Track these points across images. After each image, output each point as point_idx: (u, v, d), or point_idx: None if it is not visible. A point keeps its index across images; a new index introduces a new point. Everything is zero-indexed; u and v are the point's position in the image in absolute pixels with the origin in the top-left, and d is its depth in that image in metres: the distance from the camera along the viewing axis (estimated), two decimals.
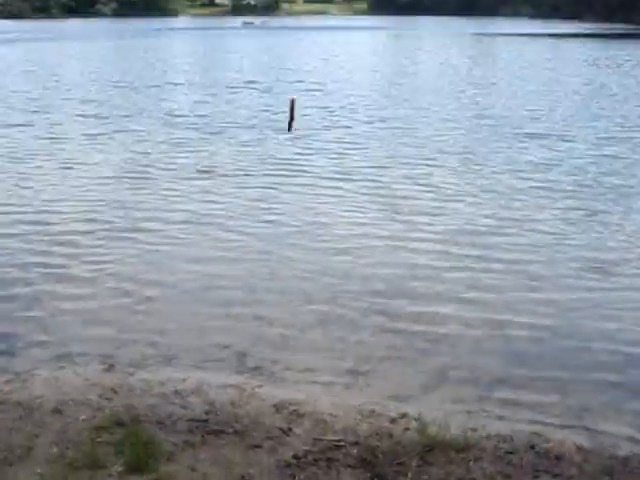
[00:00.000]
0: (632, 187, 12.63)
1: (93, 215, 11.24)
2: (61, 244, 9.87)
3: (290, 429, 5.41)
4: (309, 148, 16.18)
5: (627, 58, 43.09)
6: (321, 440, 5.25)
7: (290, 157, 15.23)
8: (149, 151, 15.86)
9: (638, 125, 19.15)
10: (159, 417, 5.57)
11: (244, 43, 62.73)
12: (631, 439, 5.55)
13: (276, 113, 20.75)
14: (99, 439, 5.15)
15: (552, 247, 9.63)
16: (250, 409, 5.72)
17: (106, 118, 20.39)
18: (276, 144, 16.58)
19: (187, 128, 18.53)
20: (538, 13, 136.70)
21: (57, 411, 5.63)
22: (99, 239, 10.11)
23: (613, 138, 17.24)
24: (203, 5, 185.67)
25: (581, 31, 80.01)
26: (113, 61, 42.22)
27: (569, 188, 12.59)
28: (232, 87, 27.67)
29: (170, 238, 10.11)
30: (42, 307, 7.89)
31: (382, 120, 19.61)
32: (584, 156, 15.25)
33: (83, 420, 5.48)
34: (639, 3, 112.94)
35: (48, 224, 10.80)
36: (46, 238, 10.14)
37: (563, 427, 5.68)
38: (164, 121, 19.64)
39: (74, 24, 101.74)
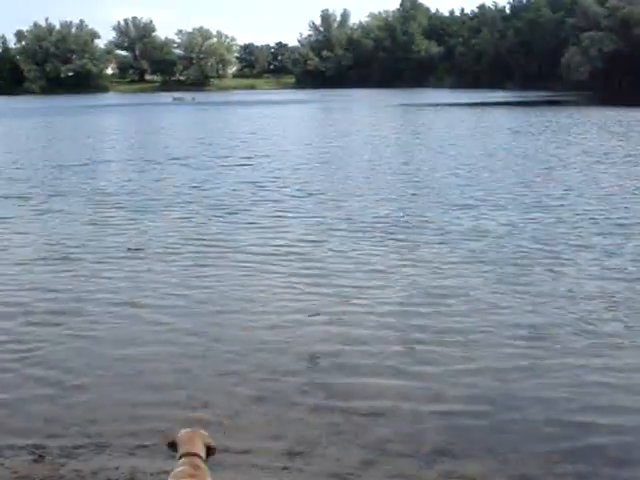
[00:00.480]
0: (559, 252, 12.95)
1: (15, 299, 10.81)
2: None
3: None
4: (238, 223, 16.15)
5: (547, 124, 44.89)
6: None
7: (220, 233, 15.16)
8: (75, 231, 15.54)
9: (566, 190, 19.88)
10: None
11: (174, 119, 63.03)
12: None
13: (205, 189, 20.75)
14: None
15: (486, 315, 9.69)
16: None
17: (29, 198, 19.81)
18: (205, 220, 16.45)
19: (115, 206, 18.14)
20: (460, 83, 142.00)
21: None
22: (22, 325, 9.74)
23: (538, 203, 17.78)
24: (133, 81, 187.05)
25: (502, 100, 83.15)
26: (40, 139, 41.64)
27: (498, 255, 12.82)
28: (160, 163, 27.37)
29: (98, 322, 9.79)
30: None
31: (311, 194, 19.54)
32: (510, 222, 15.63)
33: None
34: (557, 70, 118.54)
35: None
36: None
37: None
38: (91, 200, 19.16)
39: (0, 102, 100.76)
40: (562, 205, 17.57)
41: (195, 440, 4.56)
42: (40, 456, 6.31)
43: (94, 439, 6.60)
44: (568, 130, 40.13)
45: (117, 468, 6.05)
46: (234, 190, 20.13)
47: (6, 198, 20.02)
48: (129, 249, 13.69)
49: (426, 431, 6.72)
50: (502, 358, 8.42)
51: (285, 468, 6.07)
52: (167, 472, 5.83)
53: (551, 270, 11.82)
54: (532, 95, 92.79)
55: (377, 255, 13.05)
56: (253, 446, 6.45)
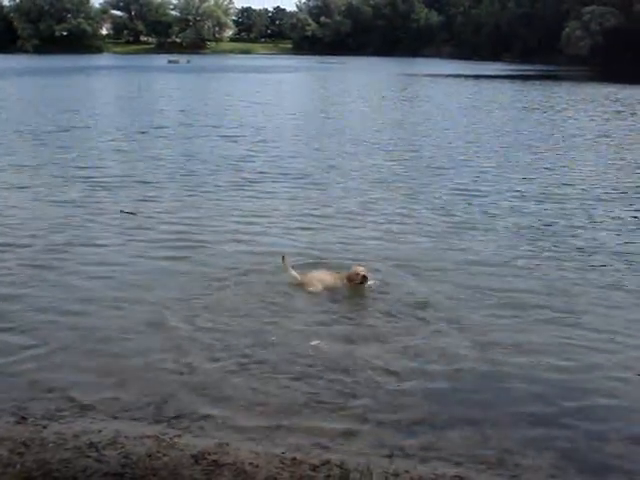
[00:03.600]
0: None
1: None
2: None
3: None
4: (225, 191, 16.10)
5: (544, 99, 44.67)
6: None
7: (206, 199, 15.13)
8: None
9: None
10: (73, 472, 5.36)
11: (169, 83, 62.44)
12: (551, 478, 5.62)
13: (201, 160, 20.29)
14: None
15: (472, 288, 9.68)
16: (168, 460, 5.55)
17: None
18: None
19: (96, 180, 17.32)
20: (458, 53, 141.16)
21: None
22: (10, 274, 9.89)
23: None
24: (127, 42, 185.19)
25: (501, 72, 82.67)
26: (29, 102, 41.01)
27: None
28: (149, 133, 26.33)
29: (88, 279, 9.85)
30: None
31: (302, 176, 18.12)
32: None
33: None
34: (557, 44, 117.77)
35: None
36: None
37: (485, 469, 5.71)
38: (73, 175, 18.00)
39: None
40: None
41: None
42: (22, 418, 6.30)
43: (77, 402, 6.59)
44: (564, 106, 39.99)
45: (100, 431, 6.04)
46: (216, 166, 19.18)
47: None
48: (122, 211, 13.73)
49: (408, 402, 6.73)
50: (484, 327, 8.46)
51: (267, 436, 6.08)
52: (150, 437, 5.90)
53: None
54: (531, 69, 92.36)
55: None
56: (235, 413, 6.44)
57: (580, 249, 11.57)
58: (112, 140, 24.25)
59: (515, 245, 11.79)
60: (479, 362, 7.58)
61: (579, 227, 13.02)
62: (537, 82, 66.15)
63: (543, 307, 9.08)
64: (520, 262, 10.83)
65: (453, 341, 8.03)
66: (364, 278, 9.22)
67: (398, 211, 14.06)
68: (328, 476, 5.39)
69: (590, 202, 15.08)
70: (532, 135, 26.59)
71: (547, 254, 11.28)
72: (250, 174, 17.84)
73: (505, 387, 7.09)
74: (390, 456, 5.80)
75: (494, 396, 6.94)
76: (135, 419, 6.31)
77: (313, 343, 7.94)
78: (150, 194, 15.38)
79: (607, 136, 26.67)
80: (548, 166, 19.72)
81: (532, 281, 10.02)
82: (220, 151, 21.73)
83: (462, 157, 21.08)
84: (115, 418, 6.33)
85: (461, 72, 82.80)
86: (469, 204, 14.74)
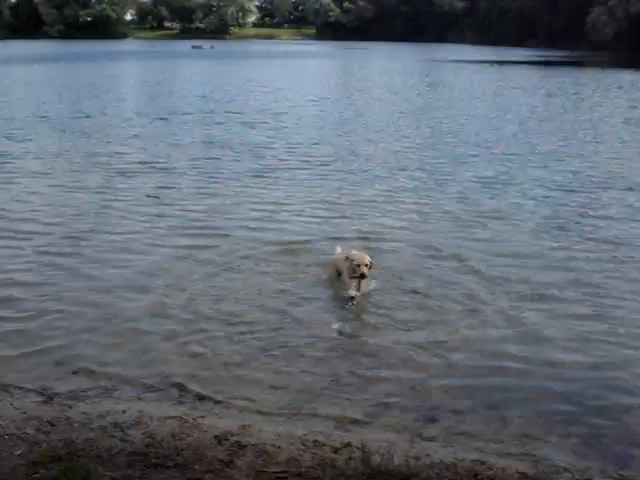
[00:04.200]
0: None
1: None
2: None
3: (232, 461, 5.32)
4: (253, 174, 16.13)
5: (569, 86, 44.20)
6: (263, 472, 5.18)
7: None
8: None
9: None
10: (98, 451, 5.43)
11: (192, 68, 62.50)
12: (572, 465, 5.60)
13: (222, 147, 20.20)
14: (35, 475, 5.01)
15: (495, 279, 9.59)
16: (191, 441, 5.62)
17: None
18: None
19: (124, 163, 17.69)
20: (483, 39, 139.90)
21: None
22: (43, 264, 9.94)
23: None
24: (152, 28, 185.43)
25: (526, 58, 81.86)
26: (51, 88, 41.14)
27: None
28: (171, 119, 26.33)
29: (113, 266, 9.94)
30: None
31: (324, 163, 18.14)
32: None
33: (19, 455, 5.32)
34: (582, 30, 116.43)
35: None
36: None
37: (505, 455, 5.71)
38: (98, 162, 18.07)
39: (18, 46, 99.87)
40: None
41: None
42: (48, 397, 6.40)
43: (102, 382, 6.69)
44: (589, 93, 39.56)
45: (124, 412, 6.13)
46: (237, 153, 19.15)
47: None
48: (147, 195, 13.91)
49: (430, 387, 6.76)
50: (507, 315, 8.44)
51: (289, 418, 6.13)
52: (174, 417, 5.98)
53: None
54: (555, 54, 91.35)
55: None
56: (258, 395, 6.51)
57: (608, 241, 11.38)
58: (133, 126, 24.33)
59: (541, 236, 11.64)
60: (501, 351, 7.57)
61: (607, 217, 12.81)
62: (562, 68, 65.48)
63: (568, 300, 8.96)
64: (546, 253, 10.71)
65: (475, 330, 8.03)
66: (362, 276, 8.55)
67: (421, 200, 14.00)
68: (349, 459, 5.43)
69: (618, 192, 14.92)
70: (557, 122, 26.37)
71: (574, 245, 11.13)
72: (271, 161, 17.88)
73: (527, 376, 7.08)
74: (411, 440, 5.84)
75: (516, 383, 6.93)
76: (159, 400, 6.40)
77: (335, 327, 7.99)
78: (170, 181, 15.46)
79: (634, 124, 26.38)
80: (574, 154, 19.55)
81: (558, 273, 9.86)
82: (241, 137, 21.73)
83: (487, 145, 20.93)
84: (139, 399, 6.42)
85: (485, 58, 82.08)
86: (494, 193, 14.62)
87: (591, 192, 14.82)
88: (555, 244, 11.19)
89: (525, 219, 12.59)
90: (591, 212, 13.18)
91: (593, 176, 16.52)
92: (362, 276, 8.46)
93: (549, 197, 14.40)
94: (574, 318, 8.41)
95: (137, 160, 17.82)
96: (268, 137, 21.85)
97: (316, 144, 20.63)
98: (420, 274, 9.65)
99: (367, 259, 8.51)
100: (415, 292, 9.01)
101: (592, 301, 8.90)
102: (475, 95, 37.65)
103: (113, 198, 13.79)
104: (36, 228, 11.63)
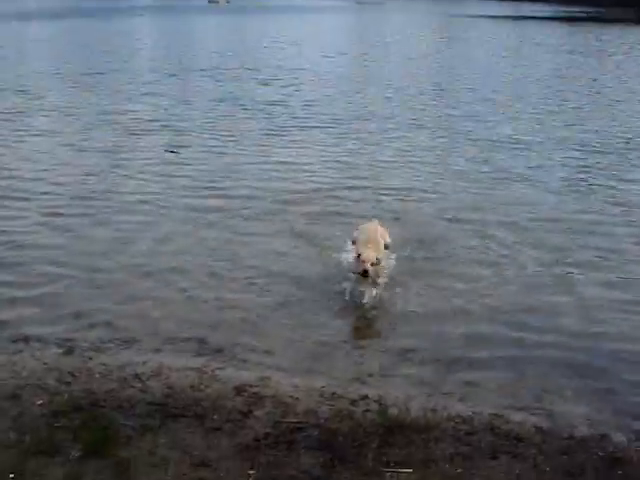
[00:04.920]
0: None
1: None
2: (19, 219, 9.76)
3: (250, 412, 5.39)
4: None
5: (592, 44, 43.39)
6: (282, 423, 5.24)
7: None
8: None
9: None
10: (118, 401, 5.51)
11: (207, 23, 61.75)
12: (588, 419, 5.64)
13: (236, 105, 19.74)
14: (57, 424, 5.10)
15: (515, 243, 9.46)
16: (210, 392, 5.69)
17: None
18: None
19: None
20: None
21: (14, 396, 5.54)
22: (55, 224, 9.95)
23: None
24: None
25: (547, 14, 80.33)
26: (61, 44, 40.49)
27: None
28: (183, 76, 25.69)
29: (131, 222, 9.97)
30: None
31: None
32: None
33: (40, 405, 5.41)
34: None
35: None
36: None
37: (522, 409, 5.75)
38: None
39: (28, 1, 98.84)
40: None
41: None
42: (69, 349, 6.47)
43: (122, 334, 6.77)
44: (612, 50, 38.80)
45: (144, 363, 6.20)
46: (251, 111, 18.80)
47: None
48: (166, 150, 13.93)
49: (448, 342, 6.80)
50: (525, 270, 8.47)
51: (307, 371, 6.18)
52: (193, 369, 6.04)
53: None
54: (576, 10, 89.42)
55: None
56: (277, 348, 6.57)
57: (634, 205, 11.10)
58: (146, 83, 23.73)
59: (564, 198, 11.41)
60: (519, 310, 7.57)
61: (631, 181, 12.49)
62: (585, 24, 64.13)
63: (589, 265, 8.83)
64: (569, 216, 10.51)
65: (494, 290, 8.02)
66: (365, 272, 7.45)
67: (439, 160, 13.81)
68: (366, 410, 5.48)
69: None
70: (581, 81, 25.82)
71: (599, 209, 10.89)
72: (286, 119, 17.59)
73: (545, 333, 7.08)
74: (428, 393, 5.88)
75: (534, 339, 6.94)
76: (178, 352, 6.46)
77: (351, 284, 7.97)
78: (183, 139, 15.26)
79: None
80: (599, 114, 19.07)
81: (581, 237, 9.72)
82: (255, 95, 21.29)
83: (507, 104, 20.38)
84: (159, 351, 6.48)
85: (503, 13, 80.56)
86: (515, 153, 14.32)
87: (617, 153, 14.42)
88: (578, 207, 10.95)
89: (547, 181, 12.33)
90: (617, 174, 12.82)
91: (618, 137, 16.08)
92: (364, 273, 7.44)
93: (572, 158, 14.05)
94: (596, 283, 8.31)
95: (149, 118, 17.56)
96: (283, 94, 21.46)
97: (332, 102, 20.30)
98: (436, 236, 9.59)
99: (373, 256, 7.51)
100: (432, 252, 8.98)
101: (616, 267, 8.77)
102: (495, 52, 36.94)
103: (124, 157, 13.62)
104: (46, 188, 11.50)
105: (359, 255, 7.47)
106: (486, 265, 8.60)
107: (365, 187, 11.80)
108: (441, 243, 9.28)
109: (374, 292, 7.53)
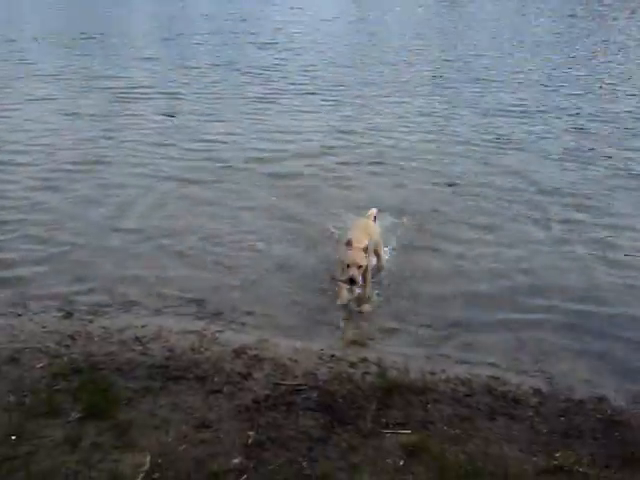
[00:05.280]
0: None
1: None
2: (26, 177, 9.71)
3: (250, 374, 5.42)
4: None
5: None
6: (281, 385, 5.27)
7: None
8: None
9: None
10: (118, 364, 5.54)
11: None
12: (586, 382, 5.68)
13: (231, 69, 19.55)
14: (57, 387, 5.12)
15: (515, 215, 9.29)
16: (210, 355, 5.72)
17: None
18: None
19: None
20: None
21: (13, 359, 5.56)
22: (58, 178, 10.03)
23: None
24: None
25: None
26: (51, 7, 39.91)
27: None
28: (177, 40, 25.55)
29: (127, 186, 9.93)
30: None
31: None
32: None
33: (40, 368, 5.43)
34: None
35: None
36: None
37: (520, 371, 5.79)
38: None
39: None
40: None
41: None
42: (68, 312, 6.49)
43: (121, 298, 6.79)
44: (616, 14, 38.34)
45: (144, 326, 6.22)
46: (246, 76, 18.58)
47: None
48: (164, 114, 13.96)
49: (446, 303, 6.84)
50: (523, 231, 8.51)
51: (306, 334, 6.20)
52: (193, 332, 6.06)
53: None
54: None
55: None
56: (275, 310, 6.60)
57: (631, 174, 10.84)
58: (140, 48, 23.37)
59: (566, 166, 11.16)
60: (518, 273, 7.58)
61: (636, 149, 12.14)
62: None
63: (586, 229, 8.76)
64: (571, 186, 10.28)
65: (493, 252, 8.05)
66: (351, 281, 6.42)
67: (438, 127, 13.59)
68: (365, 373, 5.51)
69: None
70: (583, 46, 25.41)
71: (603, 179, 10.64)
72: (282, 84, 17.31)
73: (543, 296, 7.09)
74: (427, 356, 5.91)
75: (533, 302, 6.96)
76: (178, 315, 6.48)
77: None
78: (176, 105, 15.01)
79: None
80: (600, 81, 18.68)
81: (583, 207, 9.50)
82: (251, 60, 20.94)
83: (507, 69, 19.94)
84: (158, 314, 6.50)
85: None
86: (515, 121, 14.00)
87: (620, 122, 13.99)
88: (581, 176, 10.72)
89: (549, 150, 12.04)
90: (621, 143, 12.51)
91: (622, 105, 15.60)
92: (351, 281, 6.41)
93: (575, 126, 13.67)
94: (595, 247, 8.26)
95: (144, 83, 17.23)
96: (280, 59, 21.16)
97: (329, 66, 20.00)
98: (435, 200, 9.57)
99: (361, 258, 6.43)
100: (431, 217, 8.97)
101: (615, 232, 8.70)
102: (495, 17, 36.52)
103: (119, 123, 13.44)
104: (39, 155, 11.35)
105: (341, 260, 6.61)
106: (486, 229, 8.59)
107: (361, 152, 11.71)
108: (440, 207, 9.27)
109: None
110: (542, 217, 9.03)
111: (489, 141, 12.52)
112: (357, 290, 6.70)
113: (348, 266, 6.36)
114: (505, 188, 10.07)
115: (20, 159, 11.09)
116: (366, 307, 6.68)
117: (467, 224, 8.78)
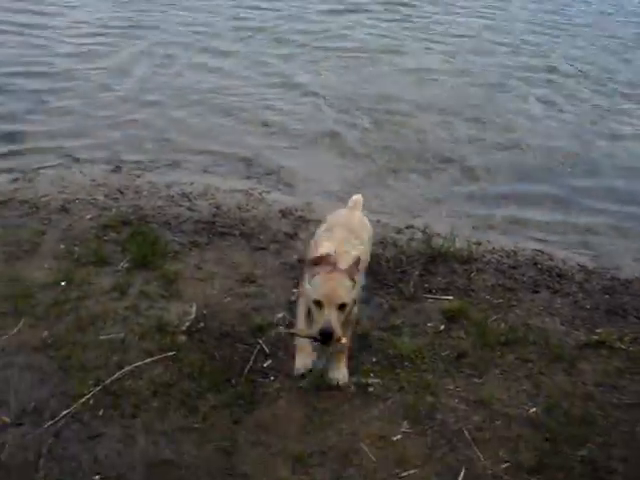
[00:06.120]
0: None
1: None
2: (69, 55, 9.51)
3: (296, 234, 5.44)
4: None
5: None
6: None
7: None
8: None
9: None
10: (166, 218, 5.57)
11: None
12: (635, 262, 5.58)
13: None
14: (106, 237, 5.18)
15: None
16: (257, 213, 5.73)
17: None
18: None
19: None
20: None
21: (64, 210, 5.61)
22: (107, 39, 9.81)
23: None
24: None
25: None
26: None
27: None
28: None
29: (178, 44, 9.78)
30: (48, 108, 7.67)
31: None
32: None
33: (90, 219, 5.48)
34: None
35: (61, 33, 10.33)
36: (51, 43, 9.77)
37: (567, 247, 5.72)
38: None
39: None
40: None
41: None
42: (117, 167, 6.51)
43: (169, 155, 6.78)
44: None
45: (192, 183, 6.23)
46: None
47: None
48: None
49: (495, 176, 6.73)
50: (575, 112, 8.21)
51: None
52: (240, 191, 6.04)
53: None
54: None
55: None
56: (324, 175, 6.56)
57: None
58: None
59: None
60: (571, 150, 7.38)
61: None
62: None
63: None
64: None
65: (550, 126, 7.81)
66: (324, 338, 3.49)
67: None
68: (411, 239, 5.48)
69: None
70: None
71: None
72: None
73: (593, 174, 6.94)
74: (474, 226, 5.86)
75: (582, 182, 6.79)
76: (226, 174, 6.48)
77: None
78: None
79: None
80: None
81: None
82: None
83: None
84: (206, 172, 6.50)
85: None
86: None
87: None
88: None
89: None
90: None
91: None
92: (324, 338, 3.51)
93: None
94: None
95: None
96: None
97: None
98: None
99: (344, 290, 3.58)
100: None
101: None
102: None
103: None
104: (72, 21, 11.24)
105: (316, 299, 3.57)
106: (543, 105, 8.30)
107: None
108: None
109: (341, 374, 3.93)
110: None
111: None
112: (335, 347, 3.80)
113: (320, 305, 3.57)
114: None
115: (52, 19, 10.83)
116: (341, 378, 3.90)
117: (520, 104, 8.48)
